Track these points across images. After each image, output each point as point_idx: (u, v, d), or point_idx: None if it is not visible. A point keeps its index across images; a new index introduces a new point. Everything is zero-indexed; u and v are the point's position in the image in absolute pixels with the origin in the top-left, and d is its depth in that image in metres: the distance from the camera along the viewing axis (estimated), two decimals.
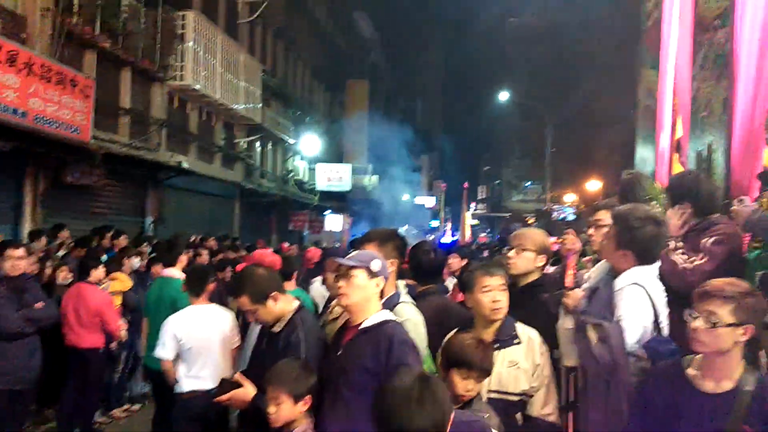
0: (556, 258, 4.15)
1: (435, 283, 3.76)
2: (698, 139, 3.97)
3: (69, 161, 10.77)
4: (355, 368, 2.63)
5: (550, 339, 3.05)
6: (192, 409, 4.10)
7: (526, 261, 3.46)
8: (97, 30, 11.60)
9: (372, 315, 2.72)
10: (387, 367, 2.55)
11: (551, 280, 3.54)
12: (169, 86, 14.84)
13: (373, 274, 2.72)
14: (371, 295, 2.73)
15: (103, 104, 12.15)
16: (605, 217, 3.38)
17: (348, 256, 2.83)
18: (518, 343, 2.97)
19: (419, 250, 3.78)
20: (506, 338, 2.97)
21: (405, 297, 3.20)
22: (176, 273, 5.47)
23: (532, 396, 2.93)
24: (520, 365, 2.92)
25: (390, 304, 3.07)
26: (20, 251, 5.17)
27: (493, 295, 2.95)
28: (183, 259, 5.55)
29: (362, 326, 2.70)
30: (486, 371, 2.73)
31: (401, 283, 3.29)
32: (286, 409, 2.65)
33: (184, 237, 12.00)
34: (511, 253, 3.53)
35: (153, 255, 7.53)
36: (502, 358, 2.89)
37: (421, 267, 3.72)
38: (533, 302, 3.28)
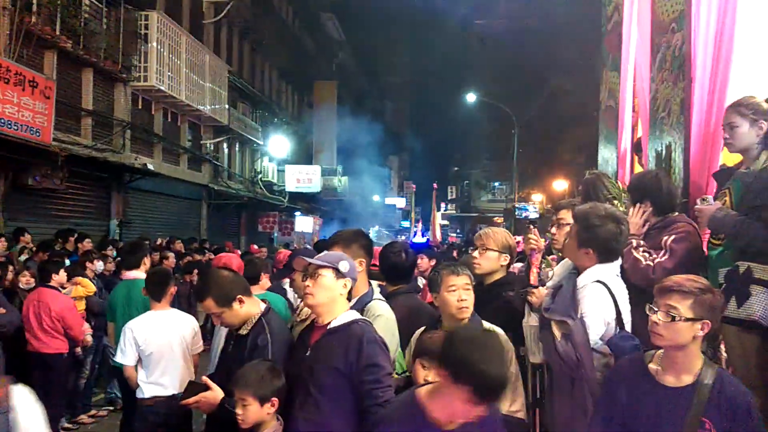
0: (523, 256, 4.21)
1: (406, 283, 3.77)
2: (658, 140, 4.05)
3: (30, 164, 10.55)
4: (325, 368, 2.62)
5: (516, 336, 3.09)
6: (154, 415, 4.03)
7: (489, 260, 3.53)
8: (57, 30, 11.37)
9: (339, 315, 2.71)
10: (357, 366, 2.55)
11: (517, 278, 3.59)
12: (132, 87, 14.63)
13: (340, 275, 2.72)
14: (338, 295, 2.72)
15: (65, 105, 11.93)
16: (566, 216, 3.46)
17: (317, 257, 2.83)
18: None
19: (390, 251, 3.79)
20: None
21: (378, 294, 3.23)
22: (141, 275, 5.35)
23: None
24: None
25: (363, 301, 3.10)
26: None
27: (458, 294, 2.99)
28: (147, 262, 5.44)
29: (330, 326, 2.70)
30: None
31: (374, 282, 3.30)
32: (253, 411, 2.65)
33: (148, 239, 11.85)
34: (476, 254, 3.60)
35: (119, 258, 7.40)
36: None
37: (391, 268, 3.73)
38: (499, 300, 3.32)
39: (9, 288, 6.21)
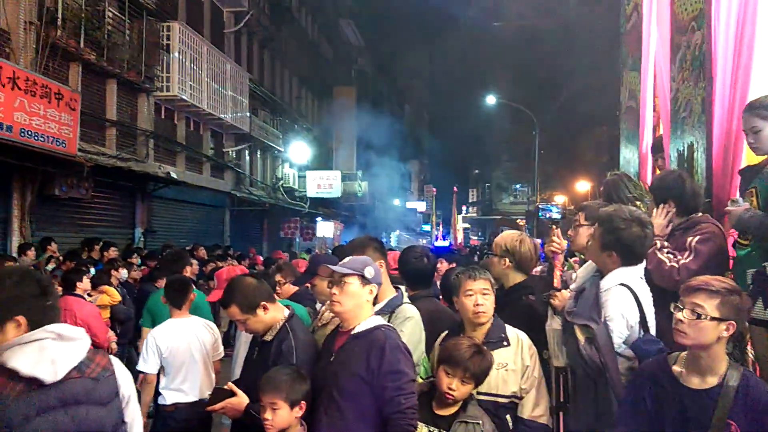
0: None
1: (426, 287, 3.76)
2: (679, 139, 4.02)
3: (56, 174, 10.75)
4: (348, 374, 2.64)
5: (537, 340, 3.08)
6: (174, 421, 4.09)
7: (492, 265, 3.53)
8: (81, 42, 11.59)
9: (364, 321, 2.73)
10: (379, 373, 2.56)
11: (538, 281, 3.57)
12: (155, 97, 14.83)
13: (366, 281, 2.75)
14: (364, 302, 2.76)
15: (90, 117, 12.12)
16: (580, 218, 3.44)
17: (341, 263, 2.84)
18: (507, 345, 3.00)
19: (411, 256, 3.77)
20: (495, 340, 2.99)
21: (407, 297, 3.26)
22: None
23: (522, 398, 2.95)
24: (509, 367, 2.94)
25: (393, 304, 3.13)
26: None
27: (475, 298, 3.00)
28: (188, 270, 5.66)
29: (354, 332, 2.72)
30: (473, 375, 2.74)
31: (402, 287, 3.33)
32: (282, 415, 2.65)
33: (171, 247, 12.00)
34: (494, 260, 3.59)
35: (156, 266, 7.49)
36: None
37: (413, 273, 3.72)
38: (518, 304, 3.31)
39: None
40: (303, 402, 2.69)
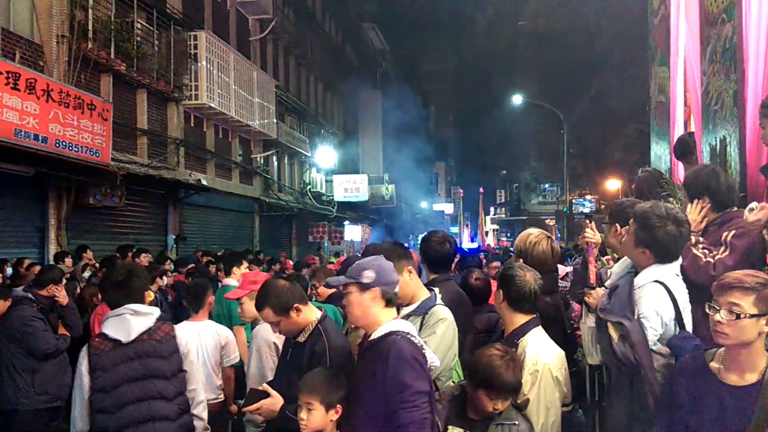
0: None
1: (446, 271, 3.73)
2: (711, 134, 3.95)
3: (90, 183, 10.99)
4: (363, 383, 2.57)
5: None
6: None
7: None
8: (112, 54, 11.84)
9: (380, 327, 2.59)
10: (384, 383, 2.45)
11: (575, 274, 3.55)
12: (184, 105, 15.07)
13: (365, 286, 2.61)
14: (369, 307, 2.61)
15: (121, 126, 12.37)
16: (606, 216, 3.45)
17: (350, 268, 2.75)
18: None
19: (433, 240, 3.74)
20: (508, 345, 2.97)
21: (440, 300, 3.20)
22: (232, 282, 5.78)
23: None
24: None
25: (426, 306, 3.11)
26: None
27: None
28: (236, 271, 5.85)
29: (370, 339, 2.63)
30: (516, 389, 2.68)
31: (435, 289, 3.30)
32: (318, 416, 2.64)
33: (201, 252, 12.16)
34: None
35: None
36: None
37: (435, 257, 3.68)
38: None
39: (78, 303, 6.48)
40: (339, 406, 2.67)
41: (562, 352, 2.97)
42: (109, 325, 3.16)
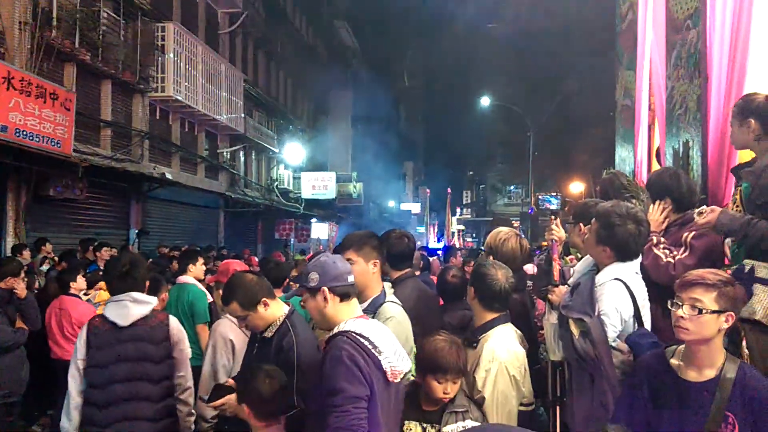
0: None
1: (409, 267, 3.73)
2: (675, 137, 4.05)
3: (51, 175, 10.73)
4: (315, 384, 2.53)
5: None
6: None
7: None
8: (76, 43, 11.57)
9: (338, 325, 2.53)
10: (321, 386, 2.39)
11: (540, 271, 3.61)
12: (150, 97, 14.82)
13: (312, 291, 2.57)
14: (321, 309, 2.56)
15: (85, 117, 12.11)
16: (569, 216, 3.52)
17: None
18: (474, 347, 2.99)
19: (392, 237, 3.73)
20: (470, 341, 3.02)
21: (391, 296, 3.20)
22: (189, 279, 5.75)
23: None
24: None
25: (376, 303, 3.09)
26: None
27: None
28: (191, 269, 5.81)
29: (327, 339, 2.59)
30: (461, 371, 2.74)
31: (387, 284, 3.29)
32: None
33: (166, 248, 11.98)
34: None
35: None
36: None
37: (393, 253, 3.65)
38: None
39: (39, 297, 6.33)
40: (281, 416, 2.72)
41: (522, 351, 3.00)
42: (109, 309, 3.48)
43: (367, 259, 3.10)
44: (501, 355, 2.88)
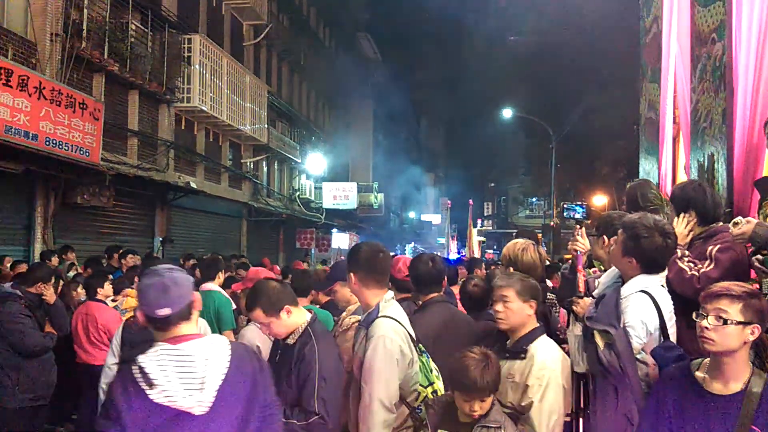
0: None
1: (437, 291, 3.75)
2: (700, 150, 4.03)
3: (79, 182, 10.94)
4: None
5: None
6: None
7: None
8: (105, 54, 11.82)
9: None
10: None
11: (563, 280, 3.60)
12: (176, 108, 15.05)
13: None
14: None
15: (112, 126, 12.34)
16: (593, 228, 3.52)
17: None
18: (522, 358, 2.99)
19: (418, 262, 3.82)
20: (516, 351, 3.01)
21: (387, 311, 3.05)
22: (214, 287, 5.76)
23: (522, 413, 2.87)
24: (515, 379, 2.94)
25: (369, 319, 3.04)
26: None
27: (495, 304, 3.07)
28: (221, 276, 5.89)
29: None
30: (489, 390, 2.71)
31: (389, 294, 3.17)
32: None
33: (191, 255, 12.10)
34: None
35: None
36: (505, 368, 2.92)
37: (421, 277, 3.74)
38: None
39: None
40: None
41: (569, 360, 3.02)
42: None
43: (352, 272, 3.12)
44: (552, 364, 2.92)
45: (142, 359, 2.23)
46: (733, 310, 2.27)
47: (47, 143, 9.60)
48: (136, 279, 7.09)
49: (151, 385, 2.17)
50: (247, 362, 2.37)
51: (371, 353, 2.89)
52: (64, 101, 10.02)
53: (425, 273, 3.74)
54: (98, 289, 6.12)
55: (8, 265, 8.25)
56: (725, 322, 2.27)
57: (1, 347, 4.96)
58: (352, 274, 3.10)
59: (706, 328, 2.30)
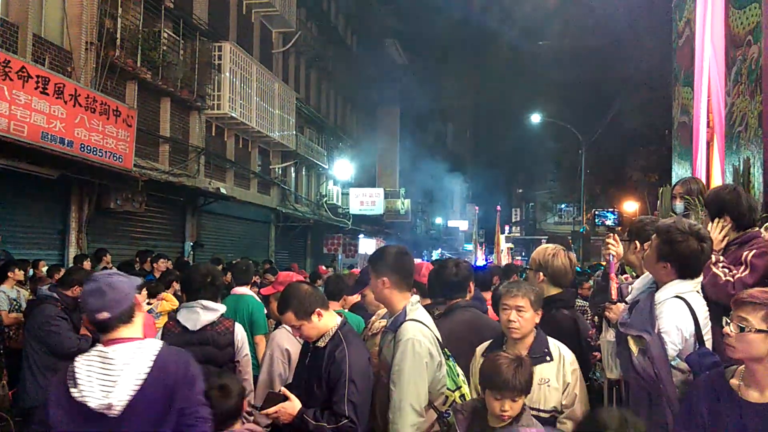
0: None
1: (461, 297, 3.76)
2: (734, 154, 3.96)
3: (112, 188, 11.15)
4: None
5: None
6: None
7: (531, 280, 3.59)
8: (138, 62, 12.04)
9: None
10: None
11: (596, 285, 3.58)
12: (206, 115, 15.26)
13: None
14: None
15: (144, 133, 12.55)
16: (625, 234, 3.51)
17: None
18: (550, 360, 3.00)
19: (441, 268, 3.85)
20: (538, 355, 3.01)
21: (414, 314, 3.06)
22: (247, 291, 5.86)
23: (562, 413, 2.95)
24: (551, 383, 2.94)
25: (397, 322, 3.04)
26: None
27: (508, 313, 3.04)
28: (256, 280, 5.97)
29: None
30: (521, 390, 2.70)
31: (415, 298, 3.18)
32: None
33: (220, 261, 12.23)
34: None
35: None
36: (536, 375, 2.92)
37: (445, 283, 3.76)
38: (544, 317, 3.27)
39: None
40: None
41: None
42: (182, 314, 3.80)
43: (378, 276, 3.11)
44: (576, 361, 3.06)
45: (77, 359, 2.37)
46: (755, 318, 2.24)
47: (82, 149, 9.81)
48: (174, 284, 7.24)
49: (75, 384, 2.30)
50: (170, 371, 2.40)
51: (400, 356, 2.90)
52: (99, 108, 10.23)
53: (448, 278, 3.75)
54: (152, 299, 6.23)
55: (43, 269, 8.43)
56: (743, 329, 2.25)
57: (38, 348, 5.07)
58: (384, 278, 3.08)
59: (728, 335, 2.30)
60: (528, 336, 3.07)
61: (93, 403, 2.29)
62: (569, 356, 3.04)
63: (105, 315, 2.41)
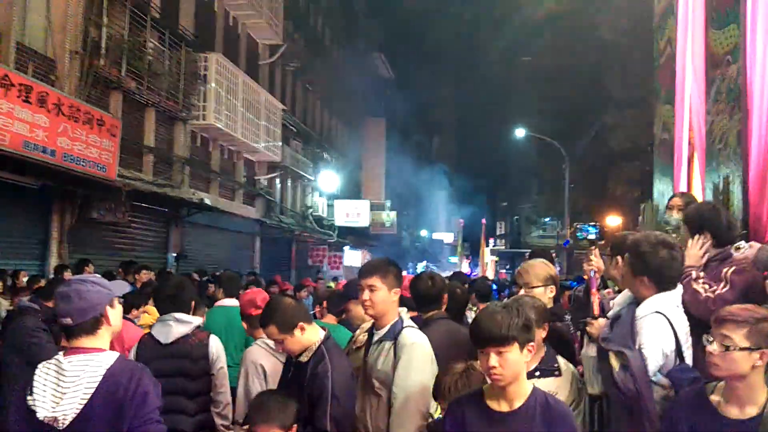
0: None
1: (437, 309, 3.80)
2: (715, 172, 4.02)
3: (95, 198, 11.04)
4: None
5: None
6: None
7: (541, 297, 3.48)
8: (123, 71, 11.97)
9: None
10: None
11: (575, 300, 3.60)
12: (192, 125, 15.20)
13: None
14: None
15: (129, 143, 12.45)
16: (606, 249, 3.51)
17: None
18: (558, 375, 3.00)
19: (418, 280, 3.91)
20: (547, 368, 3.01)
21: (408, 321, 3.21)
22: (235, 302, 5.63)
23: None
24: (559, 397, 2.94)
25: (395, 330, 3.11)
26: None
27: None
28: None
29: None
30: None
31: (403, 309, 3.28)
32: None
33: (204, 272, 12.15)
34: (522, 293, 3.56)
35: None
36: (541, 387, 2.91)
37: (421, 295, 3.81)
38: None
39: None
40: (294, 425, 2.74)
41: None
42: (156, 327, 3.82)
43: (390, 287, 3.14)
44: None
45: (39, 366, 2.37)
46: (738, 336, 2.26)
47: (65, 159, 9.71)
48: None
49: (31, 391, 2.30)
50: (120, 387, 2.34)
51: (406, 361, 2.94)
52: (82, 118, 10.15)
53: (423, 291, 3.80)
54: (133, 309, 6.09)
55: (24, 279, 8.32)
56: (728, 348, 2.26)
57: (19, 359, 4.99)
58: (396, 289, 3.15)
59: (711, 353, 2.30)
60: (540, 351, 3.03)
61: (41, 413, 2.28)
62: (577, 374, 3.04)
63: (68, 321, 2.39)
